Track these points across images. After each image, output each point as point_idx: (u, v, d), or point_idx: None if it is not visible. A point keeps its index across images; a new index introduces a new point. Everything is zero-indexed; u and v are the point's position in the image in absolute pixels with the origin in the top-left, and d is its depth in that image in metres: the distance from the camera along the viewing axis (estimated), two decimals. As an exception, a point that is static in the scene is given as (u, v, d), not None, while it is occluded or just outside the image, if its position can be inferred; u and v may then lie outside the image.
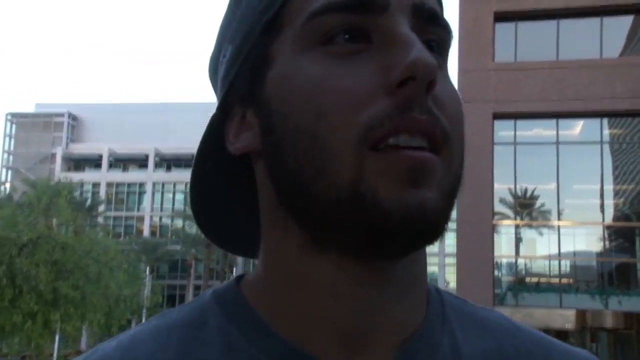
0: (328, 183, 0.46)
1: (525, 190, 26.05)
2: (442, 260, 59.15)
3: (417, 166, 0.45)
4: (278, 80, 0.49)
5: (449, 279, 47.92)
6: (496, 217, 24.25)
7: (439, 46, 0.51)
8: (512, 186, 24.40)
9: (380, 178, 0.45)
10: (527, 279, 25.89)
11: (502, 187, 23.98)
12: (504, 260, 25.64)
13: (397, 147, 0.45)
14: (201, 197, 0.58)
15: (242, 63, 0.52)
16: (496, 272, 24.89)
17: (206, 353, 0.50)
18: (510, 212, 25.27)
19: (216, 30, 0.59)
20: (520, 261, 26.64)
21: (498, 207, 24.35)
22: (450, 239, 27.93)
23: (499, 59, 20.61)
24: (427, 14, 0.50)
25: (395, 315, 0.50)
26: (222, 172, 0.57)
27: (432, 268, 62.78)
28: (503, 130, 22.03)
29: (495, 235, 24.70)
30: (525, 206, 26.07)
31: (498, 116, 21.11)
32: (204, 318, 0.52)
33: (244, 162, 0.55)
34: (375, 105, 0.45)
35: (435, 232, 0.46)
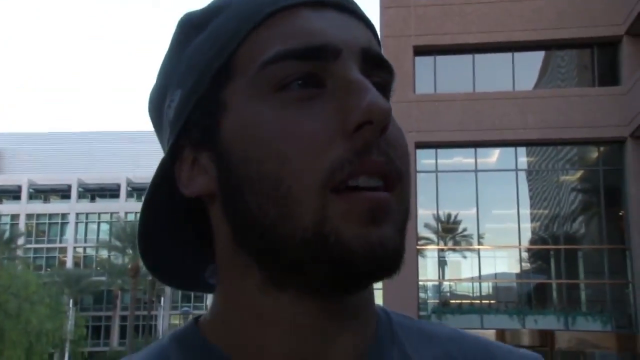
0: (293, 226, 0.47)
1: (449, 215, 26.96)
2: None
3: (376, 206, 0.47)
4: (236, 127, 0.50)
5: (377, 302, 48.47)
6: (421, 241, 24.95)
7: (384, 88, 0.53)
8: (436, 212, 25.24)
9: (343, 219, 0.47)
10: (452, 301, 26.68)
11: (426, 213, 24.75)
12: (429, 284, 26.35)
13: (357, 189, 0.47)
14: (148, 237, 0.58)
15: (193, 108, 0.52)
16: (422, 295, 25.56)
17: None
18: (434, 237, 26.06)
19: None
20: (445, 284, 27.43)
21: (423, 232, 25.08)
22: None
23: (419, 90, 21.48)
24: (374, 58, 0.52)
25: (350, 339, 0.52)
26: (170, 212, 0.58)
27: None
28: (425, 159, 22.83)
29: (421, 259, 25.39)
30: (448, 231, 26.93)
31: (420, 145, 21.93)
32: (164, 357, 0.54)
33: (191, 204, 0.55)
34: (334, 150, 0.47)
35: (396, 266, 0.49)
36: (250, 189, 0.49)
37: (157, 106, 0.57)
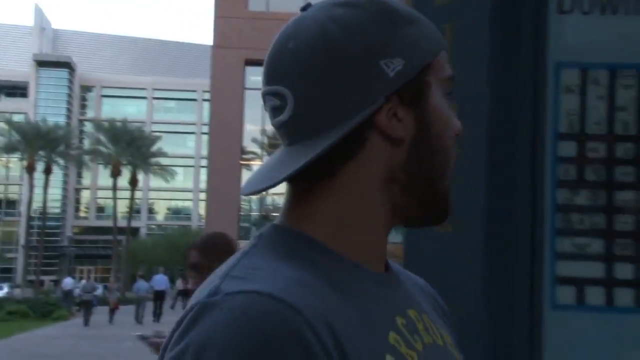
0: (442, 185, 0.73)
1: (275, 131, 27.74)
2: (196, 196, 59.89)
3: None
4: (435, 104, 0.72)
5: (203, 214, 49.04)
6: (249, 155, 25.65)
7: None
8: (262, 128, 25.95)
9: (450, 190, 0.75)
10: (274, 214, 27.98)
11: (253, 129, 25.46)
12: (253, 197, 27.41)
13: None
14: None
15: (411, 78, 0.70)
16: (246, 207, 26.53)
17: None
18: (261, 152, 26.88)
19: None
20: (268, 198, 28.63)
21: (251, 147, 25.78)
22: (203, 175, 28.87)
23: (252, 7, 21.68)
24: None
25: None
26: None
27: (187, 203, 63.29)
28: (254, 76, 23.30)
29: (247, 173, 26.16)
30: (274, 146, 27.93)
31: (250, 62, 22.34)
32: (299, 276, 0.65)
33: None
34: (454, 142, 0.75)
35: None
36: (434, 151, 0.72)
37: (353, 56, 0.68)
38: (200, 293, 0.65)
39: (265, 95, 0.71)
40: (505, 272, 1.19)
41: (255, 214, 27.93)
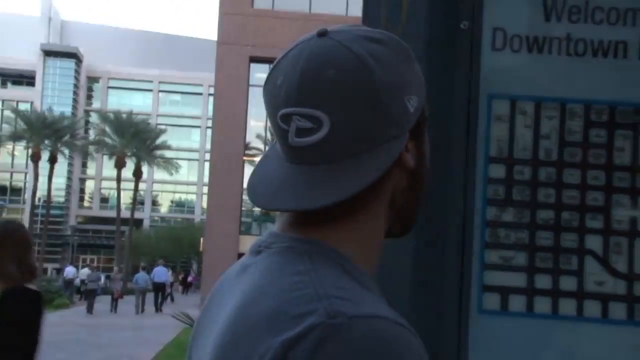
0: (420, 207, 0.85)
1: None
2: (200, 190, 59.81)
3: None
4: (427, 141, 0.84)
5: (204, 206, 49.11)
6: (252, 151, 25.74)
7: None
8: (266, 124, 26.01)
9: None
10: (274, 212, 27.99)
11: (258, 125, 25.54)
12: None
13: None
14: None
15: (420, 114, 0.79)
16: (249, 204, 26.65)
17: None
18: (264, 148, 26.90)
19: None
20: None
21: (255, 143, 25.85)
22: (208, 169, 29.11)
23: (257, 5, 21.82)
24: None
25: None
26: None
27: (191, 196, 63.37)
28: (259, 73, 23.41)
29: (250, 169, 26.23)
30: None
31: (254, 60, 22.43)
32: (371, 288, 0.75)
33: None
34: None
35: None
36: (423, 180, 0.83)
37: (390, 91, 0.74)
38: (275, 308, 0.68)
39: (291, 115, 0.72)
40: (438, 279, 1.33)
41: (257, 210, 28.05)
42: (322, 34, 0.76)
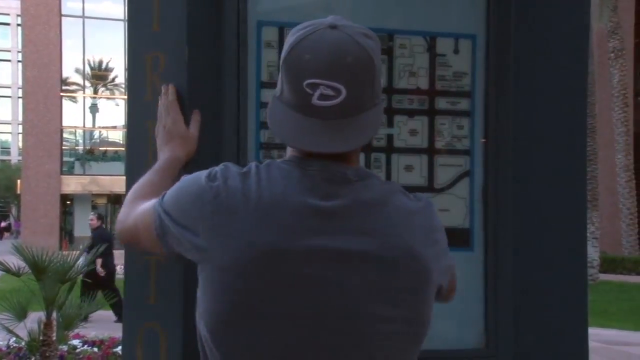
0: None
1: (100, 62, 26.39)
2: (15, 129, 55.59)
3: None
4: None
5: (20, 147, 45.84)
6: (71, 87, 24.16)
7: None
8: (88, 58, 24.50)
9: None
10: (101, 148, 26.88)
11: (75, 57, 23.87)
12: (79, 131, 25.98)
13: None
14: None
15: None
16: (73, 141, 25.19)
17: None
18: (86, 83, 25.42)
19: None
20: (96, 133, 27.33)
21: (74, 78, 24.27)
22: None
23: None
24: None
25: None
26: None
27: (5, 136, 58.56)
28: (71, 2, 21.76)
29: (72, 106, 24.72)
30: (100, 78, 26.52)
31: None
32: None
33: None
34: None
35: None
36: None
37: (379, 73, 1.07)
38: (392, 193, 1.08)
39: (319, 85, 0.99)
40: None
41: (80, 148, 26.67)
42: (333, 27, 1.02)
